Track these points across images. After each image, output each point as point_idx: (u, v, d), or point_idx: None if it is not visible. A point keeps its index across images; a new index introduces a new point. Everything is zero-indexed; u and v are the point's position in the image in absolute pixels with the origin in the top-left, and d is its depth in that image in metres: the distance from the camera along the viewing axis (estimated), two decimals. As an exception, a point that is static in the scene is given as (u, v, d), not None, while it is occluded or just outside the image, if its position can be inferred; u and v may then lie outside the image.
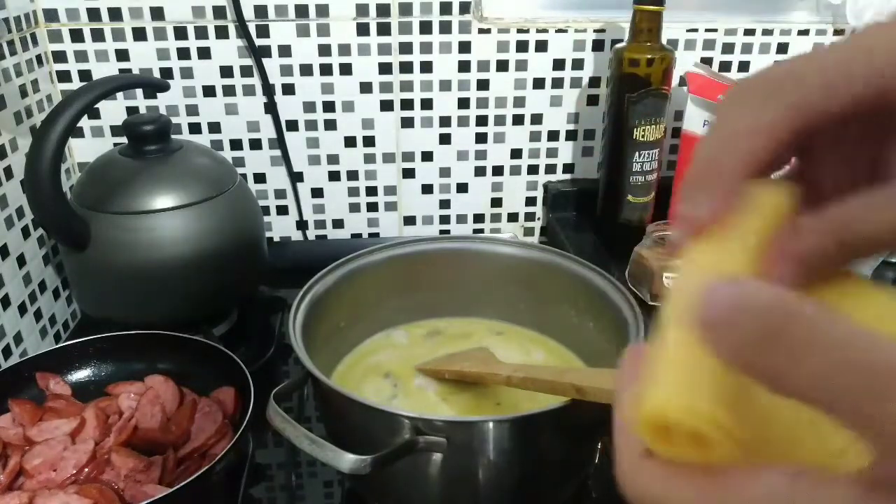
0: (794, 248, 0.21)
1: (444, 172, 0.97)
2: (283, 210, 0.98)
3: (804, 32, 0.93)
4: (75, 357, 0.68)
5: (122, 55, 0.87)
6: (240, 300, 0.81)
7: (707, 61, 0.93)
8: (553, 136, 0.96)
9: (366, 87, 0.91)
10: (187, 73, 0.88)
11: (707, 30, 0.92)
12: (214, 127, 0.92)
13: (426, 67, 0.90)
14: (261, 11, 0.86)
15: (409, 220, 1.00)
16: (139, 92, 0.89)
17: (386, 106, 0.92)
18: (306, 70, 0.89)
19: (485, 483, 0.52)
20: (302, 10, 0.86)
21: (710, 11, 0.92)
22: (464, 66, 0.91)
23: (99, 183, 0.72)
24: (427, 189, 0.98)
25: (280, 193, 0.96)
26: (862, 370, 0.15)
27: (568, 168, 0.99)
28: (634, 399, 0.19)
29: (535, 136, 0.96)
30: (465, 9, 0.88)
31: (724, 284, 0.17)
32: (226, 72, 0.88)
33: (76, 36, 0.85)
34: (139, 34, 0.86)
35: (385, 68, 0.90)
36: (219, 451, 0.55)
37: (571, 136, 0.97)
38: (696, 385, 0.18)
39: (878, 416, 0.15)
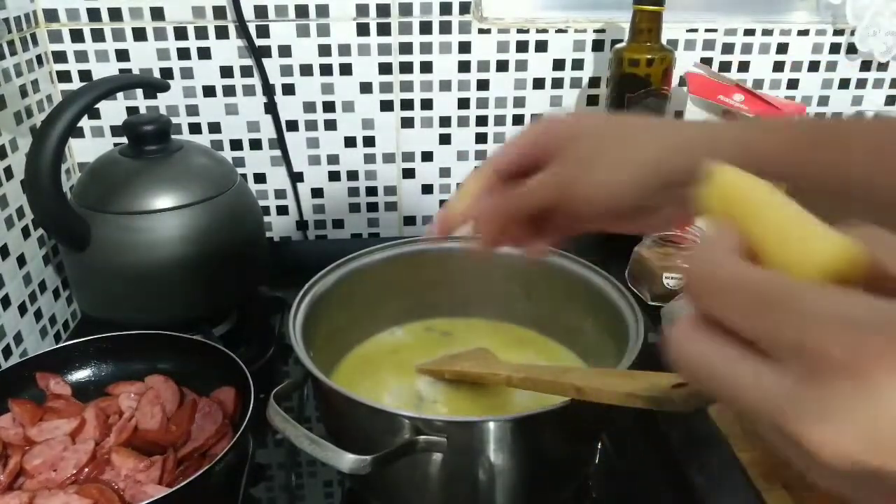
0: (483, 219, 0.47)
1: (444, 172, 0.97)
2: (283, 210, 0.98)
3: (804, 32, 0.93)
4: (75, 357, 0.68)
5: (123, 55, 0.87)
6: (240, 300, 0.81)
7: (707, 61, 0.93)
8: (553, 136, 0.96)
9: (366, 88, 0.91)
10: (187, 74, 0.88)
11: (707, 30, 0.92)
12: (214, 127, 0.92)
13: (426, 67, 0.90)
14: (261, 11, 0.86)
15: (409, 220, 1.00)
16: (139, 92, 0.89)
17: (386, 106, 0.92)
18: (306, 70, 0.89)
19: (485, 483, 0.52)
20: (302, 11, 0.86)
21: (709, 12, 0.92)
22: (464, 67, 0.91)
23: (99, 183, 0.72)
24: (427, 189, 0.98)
25: (280, 193, 0.96)
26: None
27: (568, 168, 0.98)
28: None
29: (535, 137, 0.96)
30: (465, 9, 0.88)
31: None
32: (226, 72, 0.88)
33: (76, 36, 0.85)
34: (139, 34, 0.86)
35: (385, 68, 0.90)
36: (219, 452, 0.55)
37: (571, 136, 0.96)
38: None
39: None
